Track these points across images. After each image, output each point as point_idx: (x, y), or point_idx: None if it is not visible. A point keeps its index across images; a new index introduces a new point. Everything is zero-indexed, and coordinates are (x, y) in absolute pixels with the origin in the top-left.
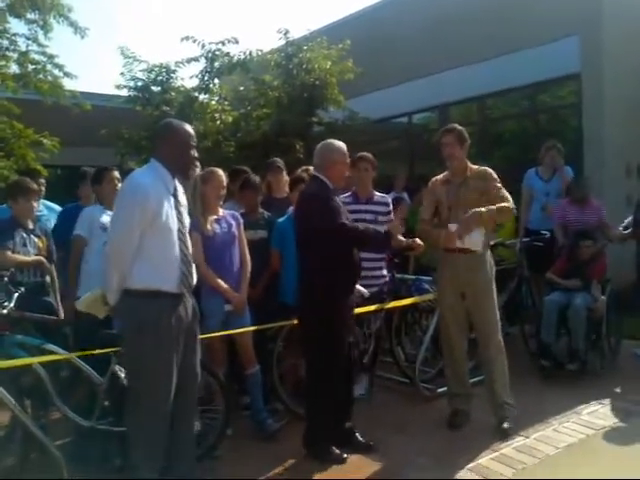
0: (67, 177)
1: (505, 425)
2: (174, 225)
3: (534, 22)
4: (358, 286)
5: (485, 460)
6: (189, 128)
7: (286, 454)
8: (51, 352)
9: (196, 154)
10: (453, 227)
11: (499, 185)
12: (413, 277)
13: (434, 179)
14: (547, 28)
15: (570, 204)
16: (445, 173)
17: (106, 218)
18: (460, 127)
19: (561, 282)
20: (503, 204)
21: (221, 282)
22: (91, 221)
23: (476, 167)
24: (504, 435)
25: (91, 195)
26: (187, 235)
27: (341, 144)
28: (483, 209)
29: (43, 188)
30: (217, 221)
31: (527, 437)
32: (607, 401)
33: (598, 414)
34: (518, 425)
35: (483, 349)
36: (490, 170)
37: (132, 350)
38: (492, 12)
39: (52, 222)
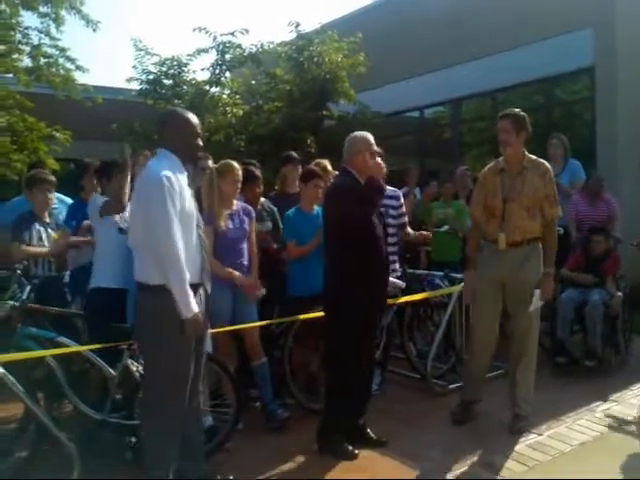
0: (79, 170)
1: (519, 423)
2: (193, 211)
3: (547, 15)
4: (393, 279)
5: (498, 457)
6: (194, 117)
7: (297, 448)
8: (64, 345)
9: (201, 142)
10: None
11: (554, 187)
12: (425, 272)
13: (483, 171)
14: (560, 21)
15: (582, 200)
16: (496, 162)
17: None
18: (520, 113)
19: (575, 278)
20: (553, 216)
21: (230, 269)
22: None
23: (534, 158)
24: (517, 432)
25: (94, 187)
26: (201, 221)
27: (365, 134)
28: (551, 270)
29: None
30: (230, 216)
31: (540, 434)
32: (621, 398)
33: (612, 412)
34: (531, 422)
35: (518, 343)
36: (548, 166)
37: (150, 347)
38: (505, 5)
39: (64, 215)
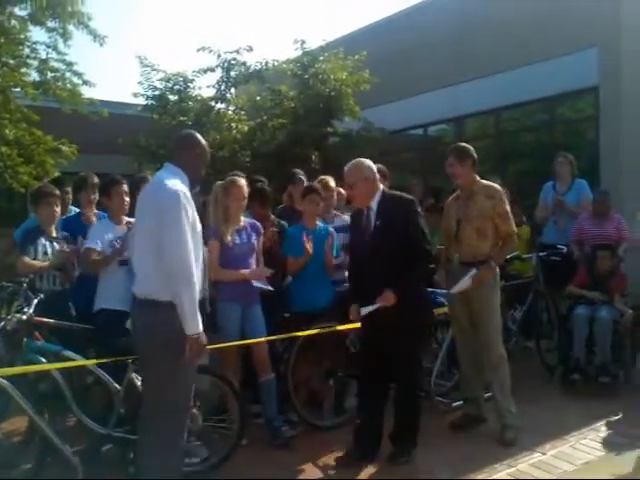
0: (76, 185)
1: (506, 435)
2: (200, 228)
3: (552, 34)
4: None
5: (501, 475)
6: (206, 144)
7: (301, 463)
8: (69, 359)
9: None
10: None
11: (505, 206)
12: (428, 290)
13: (447, 201)
14: (565, 40)
15: (588, 219)
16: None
17: (110, 235)
18: (460, 145)
19: (585, 293)
20: (507, 233)
21: (241, 271)
22: (101, 237)
23: (485, 183)
24: (505, 444)
25: (91, 202)
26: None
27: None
28: (492, 264)
29: (70, 196)
30: (238, 231)
31: (544, 453)
32: (625, 417)
33: (617, 431)
34: (535, 441)
35: (484, 357)
36: (497, 188)
37: (158, 363)
38: (509, 24)
39: None
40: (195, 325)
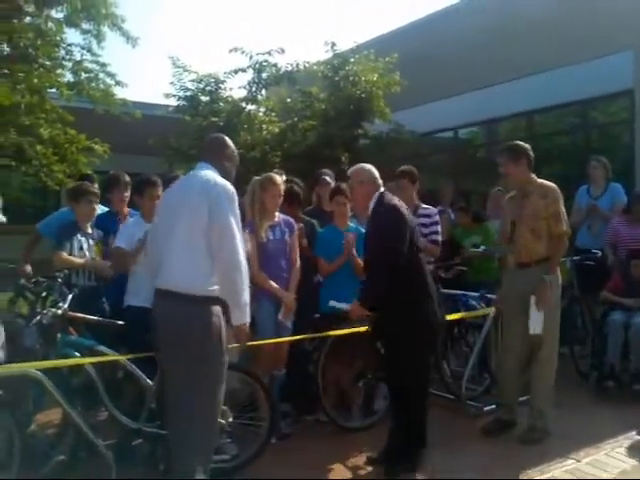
0: (106, 183)
1: (531, 434)
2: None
3: (586, 36)
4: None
5: None
6: None
7: (328, 463)
8: (102, 353)
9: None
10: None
11: (558, 206)
12: (460, 292)
13: (507, 196)
14: (600, 43)
15: (624, 222)
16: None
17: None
18: (514, 143)
19: (621, 301)
20: (558, 234)
21: (273, 283)
22: (131, 236)
23: (540, 182)
24: (524, 442)
25: (122, 200)
26: None
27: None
28: (547, 277)
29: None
30: (272, 227)
31: (578, 460)
32: None
33: None
34: (568, 448)
35: (536, 353)
36: (552, 187)
37: (200, 358)
38: (542, 26)
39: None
40: (246, 314)
